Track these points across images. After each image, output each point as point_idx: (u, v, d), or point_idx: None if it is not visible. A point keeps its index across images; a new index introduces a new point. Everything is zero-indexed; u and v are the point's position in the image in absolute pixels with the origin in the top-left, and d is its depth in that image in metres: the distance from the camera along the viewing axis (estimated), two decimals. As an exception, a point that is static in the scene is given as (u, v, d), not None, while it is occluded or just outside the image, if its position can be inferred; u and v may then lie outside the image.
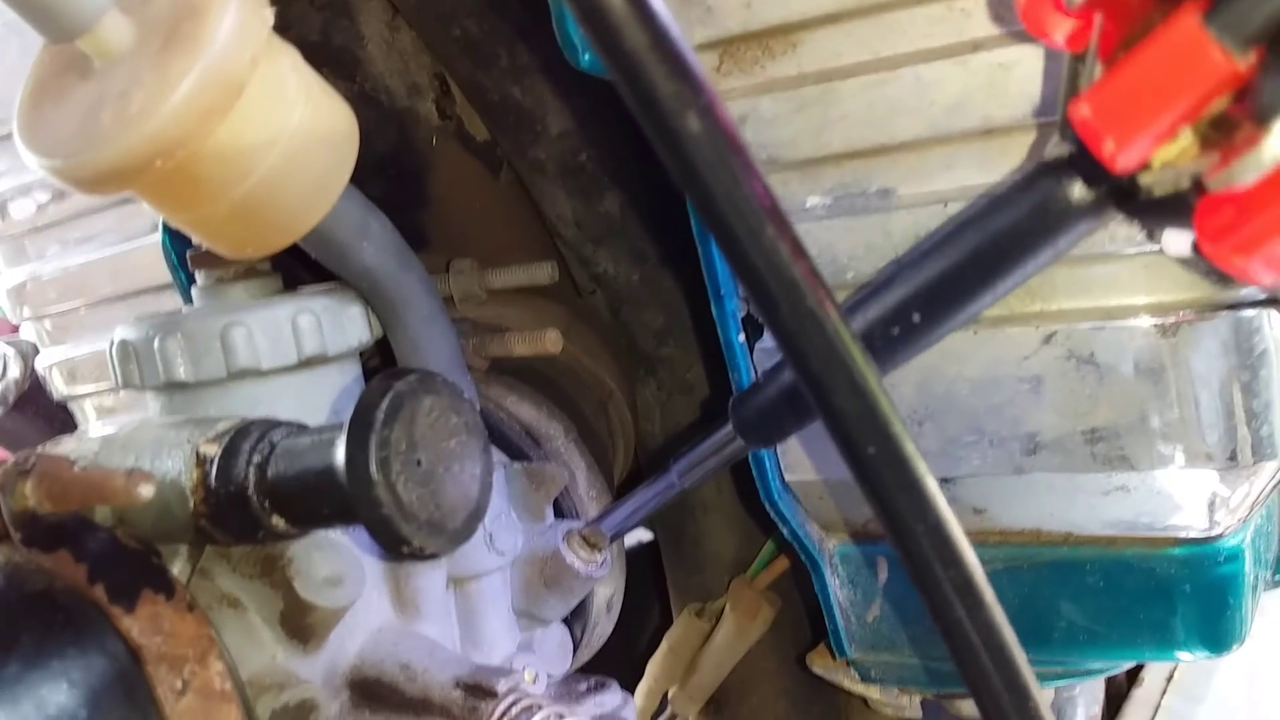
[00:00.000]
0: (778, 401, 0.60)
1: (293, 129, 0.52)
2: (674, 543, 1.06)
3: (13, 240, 0.93)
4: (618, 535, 0.75)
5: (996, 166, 0.57)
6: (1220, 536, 0.63)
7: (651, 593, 1.13)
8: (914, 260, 0.53)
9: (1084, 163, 0.46)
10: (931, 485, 0.43)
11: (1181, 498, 0.61)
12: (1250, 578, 0.66)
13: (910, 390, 0.63)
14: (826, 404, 0.42)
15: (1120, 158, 0.41)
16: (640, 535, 1.23)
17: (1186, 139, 0.41)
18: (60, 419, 1.02)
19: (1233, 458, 0.58)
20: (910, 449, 0.42)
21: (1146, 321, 0.57)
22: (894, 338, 0.53)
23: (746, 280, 0.40)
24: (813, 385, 0.42)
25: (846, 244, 0.62)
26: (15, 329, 1.05)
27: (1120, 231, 0.56)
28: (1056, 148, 0.48)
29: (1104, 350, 0.58)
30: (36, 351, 1.00)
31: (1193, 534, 0.63)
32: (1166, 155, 0.42)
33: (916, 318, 0.52)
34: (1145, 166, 0.42)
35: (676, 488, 0.70)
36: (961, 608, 0.45)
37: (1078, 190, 0.48)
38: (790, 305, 0.40)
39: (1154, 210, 0.45)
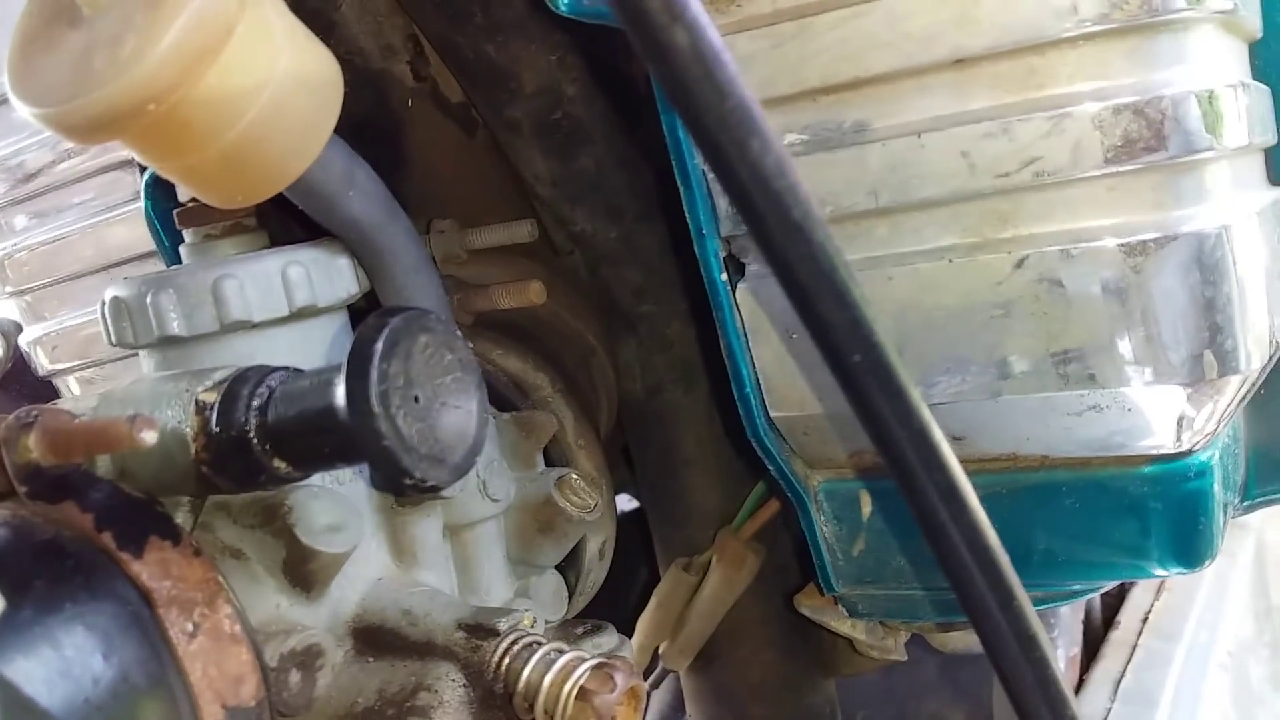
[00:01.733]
0: None
1: (280, 74, 0.53)
2: (658, 500, 1.07)
3: (-9, 215, 0.93)
4: None
5: (968, 96, 0.59)
6: (1190, 453, 0.65)
7: (640, 554, 1.14)
8: None
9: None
10: (914, 393, 0.45)
11: (1151, 415, 0.63)
12: (1220, 495, 0.68)
13: (889, 321, 0.65)
14: (812, 313, 0.44)
15: None
16: (625, 504, 1.24)
17: None
18: (46, 397, 1.02)
19: (1198, 372, 0.60)
20: (893, 356, 0.44)
21: (1112, 243, 0.59)
22: None
23: (733, 193, 0.41)
24: (799, 296, 0.43)
25: (825, 178, 0.63)
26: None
27: (1088, 148, 0.58)
28: None
29: (1072, 273, 0.60)
30: (19, 330, 1.00)
31: (1163, 452, 0.65)
32: None
33: None
34: None
35: None
36: (945, 509, 0.47)
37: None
38: (777, 217, 0.41)
39: None
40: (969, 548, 0.48)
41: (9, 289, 0.96)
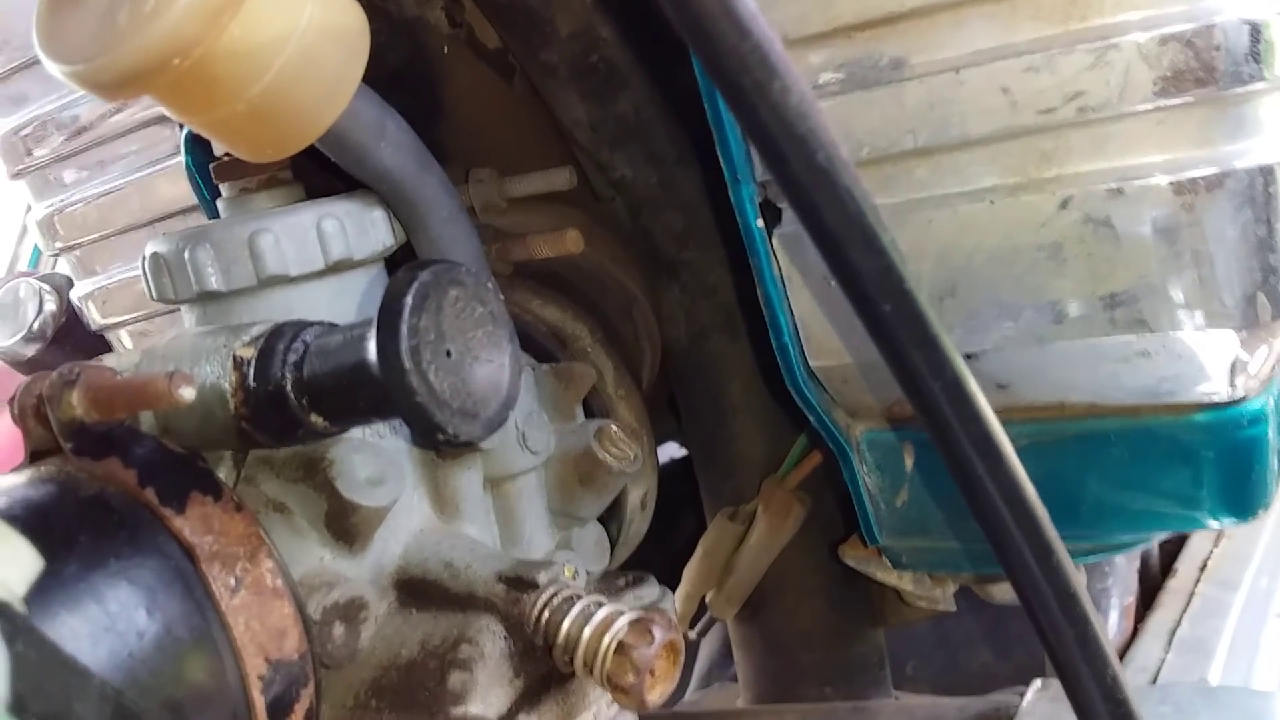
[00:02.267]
0: None
1: (304, 25, 0.53)
2: (704, 448, 1.07)
3: (40, 172, 0.94)
4: None
5: (1006, 29, 0.57)
6: (1243, 400, 0.63)
7: (686, 502, 1.14)
8: None
9: None
10: (947, 341, 0.44)
11: (1203, 361, 0.61)
12: (1275, 442, 0.66)
13: (930, 265, 0.63)
14: (841, 261, 0.42)
15: None
16: (672, 451, 1.24)
17: None
18: (99, 351, 1.04)
19: (1251, 315, 0.58)
20: (924, 303, 0.43)
21: (1162, 180, 0.57)
22: None
23: (756, 137, 0.40)
24: (826, 242, 0.42)
25: (862, 118, 0.62)
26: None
27: (1135, 81, 0.55)
28: None
29: (1120, 212, 0.58)
30: (71, 285, 1.02)
31: (1216, 399, 0.63)
32: None
33: None
34: None
35: None
36: (980, 462, 0.46)
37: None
38: (801, 161, 0.40)
39: None
40: (1006, 501, 0.47)
41: (59, 244, 0.97)
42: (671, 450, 1.26)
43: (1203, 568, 1.34)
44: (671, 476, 1.13)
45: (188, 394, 0.54)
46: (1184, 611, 1.23)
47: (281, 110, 0.54)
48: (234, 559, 0.55)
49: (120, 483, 0.55)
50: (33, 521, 0.50)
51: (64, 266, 1.04)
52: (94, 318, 0.99)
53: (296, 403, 0.55)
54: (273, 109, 0.54)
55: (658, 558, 0.99)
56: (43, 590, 0.46)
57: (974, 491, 0.47)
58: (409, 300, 0.50)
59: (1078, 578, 0.49)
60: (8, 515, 0.49)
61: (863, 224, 0.42)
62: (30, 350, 1.09)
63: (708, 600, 1.07)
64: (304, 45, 0.53)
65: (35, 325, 1.07)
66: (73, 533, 0.52)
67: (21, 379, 0.61)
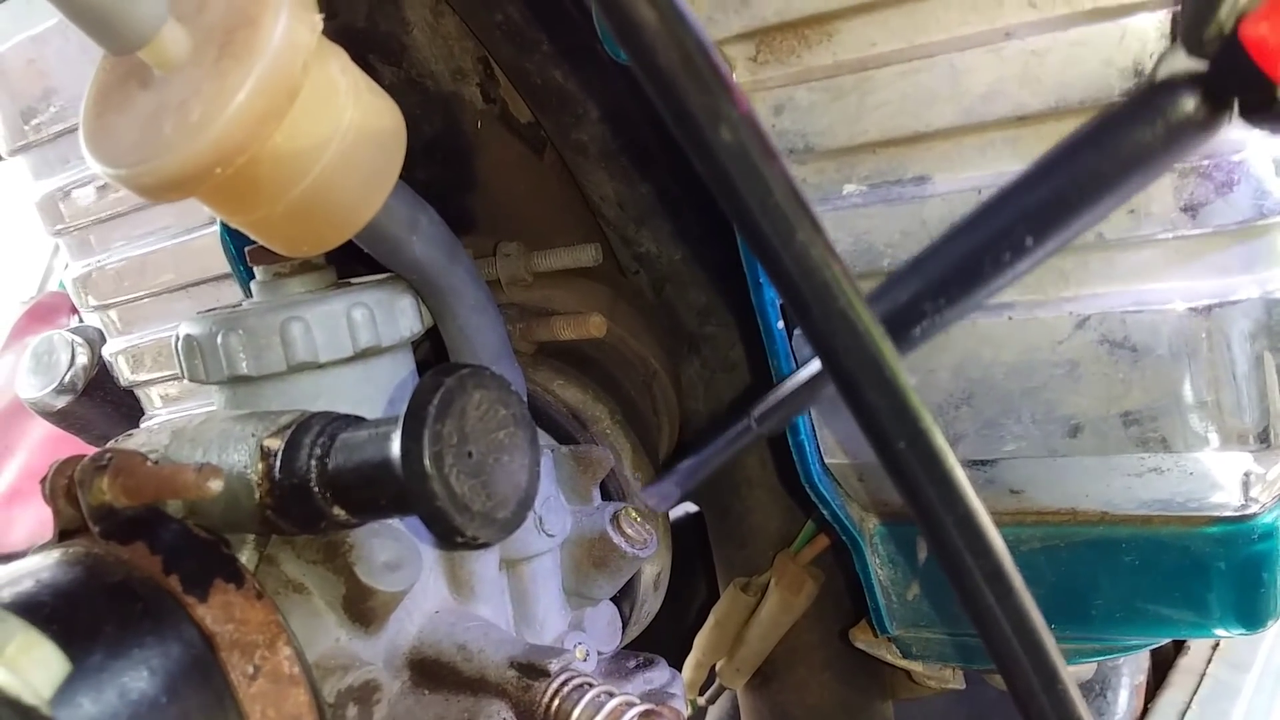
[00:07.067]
0: None
1: (344, 130, 0.54)
2: (719, 518, 1.08)
3: (78, 233, 0.97)
4: (690, 485, 0.73)
5: (1030, 154, 0.58)
6: (1255, 515, 0.64)
7: (699, 568, 1.15)
8: (1025, 183, 0.50)
9: (1219, 80, 0.44)
10: (961, 478, 0.45)
11: (1216, 477, 0.62)
12: (1288, 554, 0.67)
13: (947, 375, 0.64)
14: (858, 400, 0.43)
15: None
16: (687, 507, 1.25)
17: None
18: (127, 404, 1.06)
19: (1266, 439, 0.58)
20: (940, 443, 0.44)
21: (1180, 305, 0.58)
22: (1004, 262, 0.50)
23: (779, 283, 0.41)
24: (844, 382, 0.43)
25: (883, 231, 0.63)
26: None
27: (1155, 211, 0.56)
28: (1174, 64, 0.46)
29: (1138, 334, 0.59)
30: (103, 340, 1.04)
31: (1227, 512, 0.64)
32: None
33: (1029, 241, 0.49)
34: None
35: (754, 433, 0.68)
36: (991, 595, 0.46)
37: (1201, 106, 0.45)
38: (822, 307, 0.41)
39: None
40: (1016, 633, 0.47)
41: (94, 302, 0.99)
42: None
43: (1215, 645, 1.33)
44: (685, 537, 1.14)
45: (215, 486, 0.55)
46: (1194, 693, 1.22)
47: (319, 211, 0.56)
48: (253, 647, 0.56)
49: (146, 568, 0.56)
50: (61, 613, 0.51)
51: (94, 323, 1.06)
52: (124, 374, 1.00)
53: (320, 495, 0.56)
54: (311, 210, 0.55)
55: (671, 621, 1.00)
56: (69, 689, 0.47)
57: (983, 620, 0.47)
58: (433, 409, 0.51)
59: (1083, 705, 0.49)
60: (36, 607, 0.51)
61: (879, 366, 0.43)
62: (60, 402, 1.11)
63: (717, 669, 1.07)
64: (343, 149, 0.54)
65: (66, 378, 1.10)
66: (98, 624, 0.53)
67: (49, 428, 0.62)
